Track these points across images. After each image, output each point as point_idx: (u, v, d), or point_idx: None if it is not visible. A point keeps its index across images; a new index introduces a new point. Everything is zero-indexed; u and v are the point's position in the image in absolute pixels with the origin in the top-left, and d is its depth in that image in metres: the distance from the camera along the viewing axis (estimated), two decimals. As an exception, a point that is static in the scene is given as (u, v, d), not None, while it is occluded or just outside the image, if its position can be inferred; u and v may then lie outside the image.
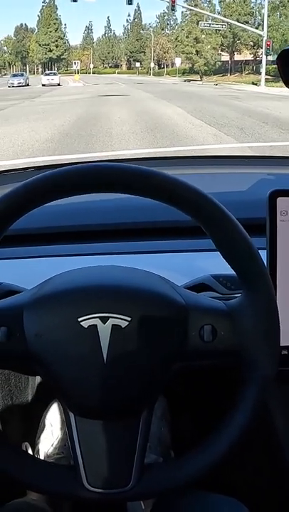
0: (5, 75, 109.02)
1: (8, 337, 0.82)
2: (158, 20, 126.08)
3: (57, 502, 1.36)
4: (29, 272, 1.13)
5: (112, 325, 0.81)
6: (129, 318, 0.81)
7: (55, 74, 58.13)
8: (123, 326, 0.81)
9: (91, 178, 0.80)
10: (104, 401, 0.84)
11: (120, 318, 0.81)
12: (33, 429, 1.83)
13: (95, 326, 0.81)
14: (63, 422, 1.58)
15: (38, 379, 1.93)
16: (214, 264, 1.00)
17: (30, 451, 1.54)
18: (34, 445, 1.64)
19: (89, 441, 0.86)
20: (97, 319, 0.81)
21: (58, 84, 49.67)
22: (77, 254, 1.26)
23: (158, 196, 0.82)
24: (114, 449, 0.87)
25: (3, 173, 1.86)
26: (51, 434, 1.60)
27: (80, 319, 0.81)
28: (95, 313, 0.81)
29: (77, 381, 0.83)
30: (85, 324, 0.81)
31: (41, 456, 1.55)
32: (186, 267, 1.20)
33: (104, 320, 0.81)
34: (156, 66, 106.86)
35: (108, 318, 0.81)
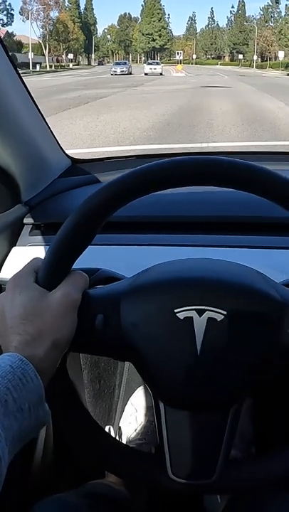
0: (108, 62, 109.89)
1: (104, 324, 0.83)
2: (262, 13, 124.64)
3: (135, 487, 1.37)
4: (127, 259, 1.13)
5: (208, 318, 0.81)
6: (225, 312, 0.81)
7: (157, 63, 57.90)
8: (218, 320, 0.81)
9: (191, 171, 0.80)
10: (195, 393, 0.84)
11: (216, 312, 0.81)
12: (118, 413, 1.88)
13: (191, 318, 0.81)
14: (148, 408, 1.62)
15: (126, 365, 1.96)
16: None
17: (112, 434, 1.55)
18: (117, 429, 1.68)
19: (176, 431, 0.87)
20: (194, 311, 0.81)
21: (161, 74, 49.33)
22: (175, 244, 1.27)
23: (259, 192, 0.81)
24: (201, 441, 0.87)
25: (106, 160, 1.92)
26: (135, 419, 1.63)
27: (176, 311, 0.81)
28: (192, 306, 0.81)
29: (170, 371, 0.84)
30: (181, 316, 0.81)
31: (123, 440, 1.57)
32: (285, 264, 1.18)
33: (200, 312, 0.81)
34: (259, 59, 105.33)
35: (204, 310, 0.81)
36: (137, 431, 1.60)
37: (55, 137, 1.61)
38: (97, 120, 12.92)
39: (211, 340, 0.81)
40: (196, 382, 0.83)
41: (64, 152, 1.70)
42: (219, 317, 0.81)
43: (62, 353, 0.81)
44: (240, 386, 0.85)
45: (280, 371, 0.87)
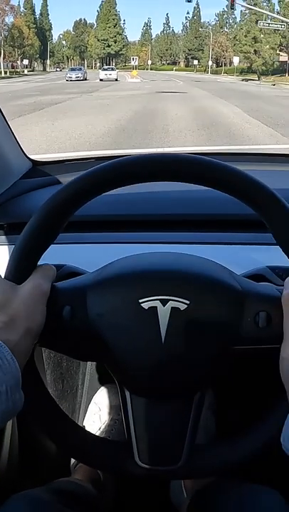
0: (63, 68, 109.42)
1: (71, 316, 0.86)
2: (217, 19, 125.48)
3: (101, 483, 1.39)
4: (91, 257, 1.14)
5: (172, 307, 0.84)
6: (187, 302, 0.84)
7: (113, 69, 57.65)
8: (182, 309, 0.84)
9: (148, 168, 0.83)
10: (160, 380, 0.87)
11: (179, 301, 0.84)
12: (81, 413, 1.88)
13: (155, 307, 0.84)
14: (112, 407, 1.63)
15: (88, 365, 1.96)
16: (272, 257, 1.01)
17: None
18: None
19: (143, 419, 0.90)
20: (158, 301, 0.84)
21: (116, 80, 49.25)
22: (137, 242, 1.29)
23: (222, 188, 0.84)
24: (167, 428, 0.90)
25: (66, 162, 1.94)
26: (99, 418, 1.64)
27: (141, 301, 0.84)
28: (156, 296, 0.84)
29: (135, 359, 0.87)
30: (145, 306, 0.84)
31: None
32: (244, 259, 1.20)
33: (164, 302, 0.84)
34: (214, 64, 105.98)
35: (168, 300, 0.84)
36: (101, 429, 1.60)
37: (16, 139, 1.62)
38: (52, 126, 12.90)
39: (175, 328, 0.84)
40: (161, 370, 0.86)
41: (25, 154, 1.71)
42: (182, 306, 0.84)
43: (34, 342, 0.83)
44: (203, 373, 0.88)
45: (241, 358, 0.91)
